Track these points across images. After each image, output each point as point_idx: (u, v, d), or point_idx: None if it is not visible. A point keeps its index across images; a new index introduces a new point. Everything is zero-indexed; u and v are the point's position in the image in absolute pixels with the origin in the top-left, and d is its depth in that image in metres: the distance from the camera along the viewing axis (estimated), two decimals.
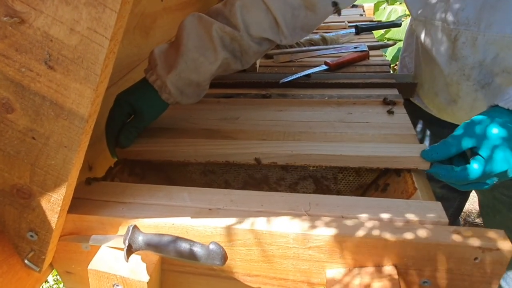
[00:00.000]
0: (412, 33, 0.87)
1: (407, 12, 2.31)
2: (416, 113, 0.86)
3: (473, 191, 1.16)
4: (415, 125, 0.85)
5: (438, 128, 0.84)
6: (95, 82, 0.35)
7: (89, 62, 0.34)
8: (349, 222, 0.44)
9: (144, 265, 0.45)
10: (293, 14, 0.68)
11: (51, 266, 0.52)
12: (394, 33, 2.15)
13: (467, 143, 0.51)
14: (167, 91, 0.64)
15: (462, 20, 0.66)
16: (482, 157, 0.49)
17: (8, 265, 0.47)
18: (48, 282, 1.52)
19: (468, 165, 0.50)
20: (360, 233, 0.42)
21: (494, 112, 0.52)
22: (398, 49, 2.09)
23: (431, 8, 0.71)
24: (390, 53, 2.10)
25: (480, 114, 0.53)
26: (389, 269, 0.43)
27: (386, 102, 0.74)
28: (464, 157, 0.54)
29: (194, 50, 0.64)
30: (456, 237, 0.41)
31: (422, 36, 0.75)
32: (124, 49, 0.76)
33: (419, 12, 0.73)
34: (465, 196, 1.01)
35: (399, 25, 1.35)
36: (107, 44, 0.33)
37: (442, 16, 0.69)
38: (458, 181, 0.52)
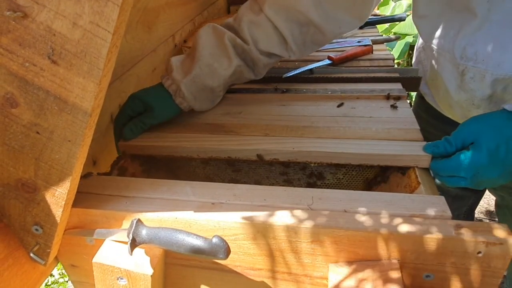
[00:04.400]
0: None
1: None
2: (430, 111, 0.84)
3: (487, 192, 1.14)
4: (429, 123, 0.83)
5: (453, 128, 0.82)
6: (98, 76, 0.35)
7: (92, 56, 0.34)
8: (352, 216, 0.44)
9: (148, 258, 0.46)
10: (301, 31, 0.69)
11: (56, 260, 0.53)
12: (400, 27, 2.12)
13: (467, 140, 0.52)
14: (181, 95, 0.65)
15: (469, 55, 0.63)
16: (473, 150, 0.50)
17: (14, 258, 0.47)
18: (53, 275, 1.54)
19: (456, 154, 0.52)
20: (363, 227, 0.42)
21: (498, 113, 0.53)
22: (406, 44, 2.07)
23: (441, 36, 0.68)
24: (398, 47, 2.08)
25: (484, 113, 0.53)
26: (392, 262, 0.43)
27: (389, 96, 0.73)
28: None
29: (209, 57, 0.65)
30: (459, 231, 0.41)
31: (432, 61, 0.73)
32: (127, 43, 0.76)
33: (429, 38, 0.71)
34: (479, 195, 1.00)
35: (403, 19, 1.34)
36: (109, 38, 0.33)
37: (450, 47, 0.66)
38: (444, 171, 0.53)
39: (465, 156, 0.51)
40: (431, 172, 0.57)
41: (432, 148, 0.55)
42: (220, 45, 0.67)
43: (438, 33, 0.69)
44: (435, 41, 0.70)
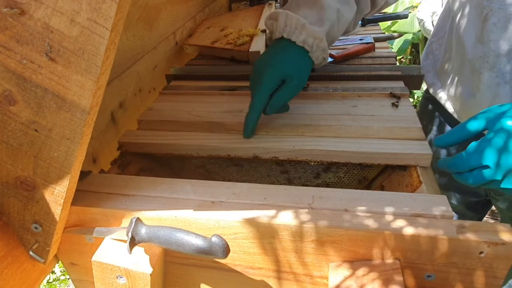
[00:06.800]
0: (446, 15, 0.81)
1: (415, 4, 2.27)
2: (435, 114, 0.82)
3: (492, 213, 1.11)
4: (434, 126, 0.81)
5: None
6: (96, 73, 0.35)
7: (90, 54, 0.34)
8: (352, 216, 0.44)
9: (147, 257, 0.46)
10: None
11: (56, 258, 0.53)
12: (400, 25, 2.12)
13: (478, 126, 0.49)
14: (322, 47, 0.62)
15: None
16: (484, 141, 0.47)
17: (13, 256, 0.47)
18: (55, 273, 1.54)
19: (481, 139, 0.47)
20: (364, 226, 0.42)
21: None
22: (404, 41, 2.07)
23: None
24: (396, 45, 2.08)
25: (500, 104, 0.51)
26: (392, 262, 0.42)
27: (392, 95, 0.73)
28: None
29: (335, 2, 0.63)
30: (461, 231, 0.41)
31: (458, 13, 0.70)
32: (128, 41, 0.76)
33: None
34: (482, 214, 0.98)
35: (405, 16, 1.33)
36: (107, 35, 0.33)
37: None
38: (454, 165, 0.49)
39: (492, 138, 0.45)
40: (434, 170, 0.56)
41: (445, 140, 0.51)
42: None
43: None
44: None
